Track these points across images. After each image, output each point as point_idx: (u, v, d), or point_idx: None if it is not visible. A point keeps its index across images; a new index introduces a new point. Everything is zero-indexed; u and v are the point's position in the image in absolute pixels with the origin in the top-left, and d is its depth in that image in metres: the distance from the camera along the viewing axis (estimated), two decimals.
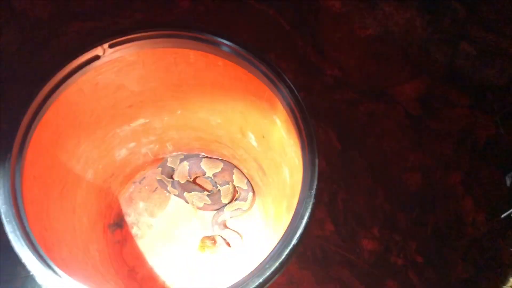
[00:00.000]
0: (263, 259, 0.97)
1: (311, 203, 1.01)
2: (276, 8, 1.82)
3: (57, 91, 1.12)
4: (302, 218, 1.00)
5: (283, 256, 0.96)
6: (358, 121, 1.93)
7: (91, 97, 1.25)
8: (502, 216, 1.70)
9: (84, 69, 1.14)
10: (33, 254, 0.94)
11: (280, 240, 0.98)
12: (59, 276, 0.94)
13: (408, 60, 1.73)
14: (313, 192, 1.01)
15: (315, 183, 1.02)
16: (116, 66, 1.21)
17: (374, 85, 1.88)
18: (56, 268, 0.95)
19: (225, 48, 1.16)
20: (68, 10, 1.80)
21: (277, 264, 0.96)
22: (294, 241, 0.98)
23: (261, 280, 0.94)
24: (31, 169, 1.09)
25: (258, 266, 0.96)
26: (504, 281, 1.70)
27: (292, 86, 1.11)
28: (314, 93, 1.88)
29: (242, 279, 0.95)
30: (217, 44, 1.16)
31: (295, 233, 0.98)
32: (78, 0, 1.78)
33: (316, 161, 1.04)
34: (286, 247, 0.97)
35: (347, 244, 1.73)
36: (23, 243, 0.95)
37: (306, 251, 1.70)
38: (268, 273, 0.95)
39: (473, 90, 1.86)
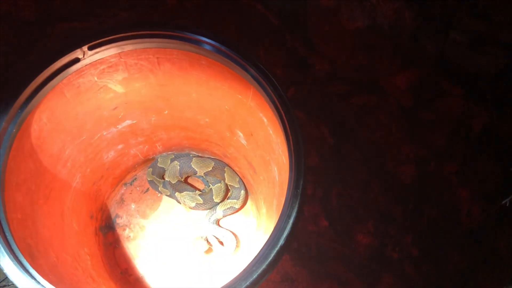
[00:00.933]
0: (250, 261, 0.95)
1: (297, 203, 0.99)
2: (264, 3, 1.79)
3: (37, 96, 1.09)
4: (289, 218, 0.98)
5: (270, 258, 0.95)
6: (350, 114, 1.90)
7: (74, 100, 1.23)
8: (503, 202, 1.68)
9: (64, 73, 1.12)
10: (14, 264, 0.92)
11: (266, 241, 0.97)
12: (42, 286, 0.92)
13: (398, 51, 1.70)
14: (299, 191, 0.99)
15: (301, 182, 1.00)
16: (98, 68, 1.19)
17: (365, 77, 1.86)
18: (38, 277, 0.93)
19: (207, 47, 1.13)
20: (53, 11, 1.77)
21: (264, 266, 0.94)
22: (281, 242, 0.96)
23: (247, 283, 0.92)
24: (13, 176, 1.07)
25: (245, 269, 0.94)
26: (503, 271, 1.69)
27: (276, 83, 1.08)
28: (305, 88, 1.86)
29: (229, 282, 0.93)
30: (199, 43, 1.14)
31: (282, 233, 0.97)
32: (63, 0, 1.76)
33: (302, 160, 1.02)
34: (273, 248, 0.96)
35: (342, 239, 1.71)
36: (4, 252, 0.93)
37: (300, 247, 1.68)
38: (255, 276, 0.93)
39: (465, 80, 1.83)
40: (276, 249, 0.95)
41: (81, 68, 1.15)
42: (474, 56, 1.68)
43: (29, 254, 1.04)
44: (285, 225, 0.97)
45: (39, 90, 1.09)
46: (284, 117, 1.06)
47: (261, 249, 0.96)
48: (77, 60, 1.12)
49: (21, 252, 0.97)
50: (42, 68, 1.09)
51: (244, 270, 0.94)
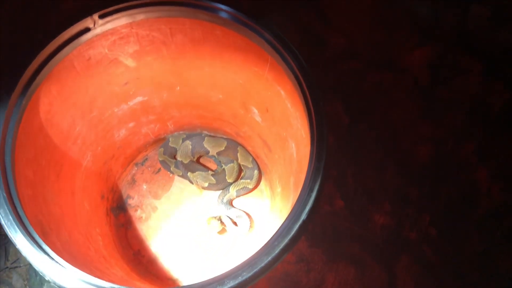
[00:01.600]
0: (272, 236, 0.91)
1: (320, 176, 0.94)
2: None
3: (46, 67, 1.05)
4: (311, 191, 0.94)
5: (293, 232, 0.90)
6: (365, 92, 1.85)
7: (84, 73, 1.18)
8: None
9: (74, 43, 1.08)
10: (27, 240, 0.88)
11: (288, 215, 0.92)
12: (55, 261, 0.89)
13: (417, 26, 1.65)
14: (322, 163, 0.95)
15: (324, 155, 0.95)
16: (109, 39, 1.14)
17: (382, 53, 1.80)
18: (52, 254, 0.89)
19: (223, 14, 1.08)
20: None
21: (286, 240, 0.90)
22: (303, 216, 0.92)
23: (269, 258, 0.88)
24: (23, 152, 1.03)
25: (267, 243, 0.90)
26: None
27: (297, 52, 1.03)
28: (319, 65, 1.81)
29: (251, 257, 0.90)
30: (214, 10, 1.09)
31: (305, 207, 0.92)
32: None
33: (325, 131, 0.97)
34: (295, 222, 0.91)
35: (358, 219, 1.68)
36: (17, 228, 0.89)
37: (315, 228, 1.64)
38: (277, 251, 0.89)
39: (486, 55, 1.77)
40: (299, 223, 0.91)
41: (91, 38, 1.10)
42: (496, 30, 1.61)
43: (41, 230, 1.00)
44: (308, 198, 0.93)
45: (48, 61, 1.05)
46: (306, 88, 1.01)
47: (283, 224, 0.92)
48: (87, 30, 1.08)
49: (33, 228, 0.94)
50: (51, 38, 1.05)
51: (266, 244, 0.90)
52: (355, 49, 1.79)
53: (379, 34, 1.69)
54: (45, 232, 1.01)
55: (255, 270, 0.87)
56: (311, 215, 0.94)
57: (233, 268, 0.88)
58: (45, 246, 0.90)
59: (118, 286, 0.88)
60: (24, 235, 0.89)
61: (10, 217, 0.90)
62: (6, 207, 0.91)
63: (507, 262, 1.65)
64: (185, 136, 1.72)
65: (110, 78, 1.27)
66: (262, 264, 0.88)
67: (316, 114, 0.98)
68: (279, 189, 1.53)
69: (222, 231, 1.60)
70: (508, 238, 1.67)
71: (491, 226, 1.69)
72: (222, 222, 1.58)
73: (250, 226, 1.62)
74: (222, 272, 0.89)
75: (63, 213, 1.20)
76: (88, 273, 0.91)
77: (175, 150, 1.70)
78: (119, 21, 1.10)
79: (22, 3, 1.61)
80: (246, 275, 0.87)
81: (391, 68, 1.83)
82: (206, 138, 1.69)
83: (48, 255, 0.89)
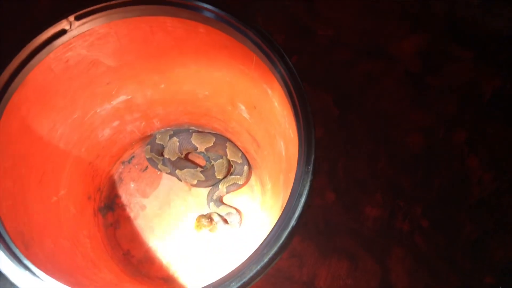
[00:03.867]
0: (260, 243, 0.89)
1: (309, 180, 0.91)
2: None
3: (22, 73, 1.00)
4: (300, 196, 0.91)
5: (282, 240, 0.88)
6: (355, 82, 1.82)
7: (63, 76, 1.13)
8: None
9: (50, 46, 1.02)
10: (6, 255, 0.85)
11: (277, 222, 0.90)
12: (37, 277, 0.86)
13: (406, 14, 1.61)
14: (311, 167, 0.92)
15: (312, 157, 0.92)
16: (87, 40, 1.09)
17: (371, 43, 1.76)
18: (33, 268, 0.86)
19: (205, 13, 1.04)
20: None
21: (275, 248, 0.87)
22: (293, 222, 0.90)
23: (258, 267, 0.86)
24: (1, 161, 0.99)
25: (256, 251, 0.88)
26: None
27: (282, 51, 0.99)
28: (307, 56, 1.77)
29: (239, 266, 0.87)
30: (196, 9, 1.04)
31: (294, 213, 0.90)
32: None
33: (313, 133, 0.94)
34: (284, 229, 0.89)
35: (350, 212, 1.66)
36: None
37: (307, 222, 1.63)
38: (266, 259, 0.87)
39: (476, 42, 1.74)
40: (288, 230, 0.88)
41: (68, 40, 1.05)
42: (487, 18, 1.58)
43: (22, 242, 0.97)
44: (297, 204, 0.90)
45: (24, 66, 1.00)
46: (291, 87, 0.98)
47: (271, 231, 0.90)
48: (63, 32, 1.03)
49: (13, 241, 0.90)
50: (25, 42, 1.00)
51: (255, 253, 0.88)
52: (343, 39, 1.76)
53: (369, 23, 1.65)
54: (26, 244, 0.98)
55: (243, 280, 0.85)
56: (301, 218, 0.91)
57: (221, 278, 0.86)
58: (26, 261, 0.87)
59: None
60: (2, 250, 0.86)
61: None
62: None
63: (500, 251, 1.65)
64: (172, 132, 1.68)
65: (90, 79, 1.22)
66: (251, 274, 0.86)
67: (304, 116, 0.95)
68: (269, 185, 1.50)
69: (213, 229, 1.58)
70: (500, 226, 1.67)
71: (484, 215, 1.68)
72: (212, 220, 1.56)
73: (241, 223, 1.60)
74: (209, 282, 0.86)
75: (47, 221, 1.17)
76: (74, 282, 0.88)
77: (162, 147, 1.67)
78: (96, 22, 1.05)
79: None
80: (234, 285, 0.85)
81: (381, 57, 1.80)
82: (194, 134, 1.65)
83: (29, 270, 0.86)
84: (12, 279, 0.85)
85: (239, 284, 0.85)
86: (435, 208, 1.69)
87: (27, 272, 0.86)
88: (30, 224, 1.05)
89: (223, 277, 0.86)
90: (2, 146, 0.99)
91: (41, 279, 0.86)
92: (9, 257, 0.86)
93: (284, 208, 0.91)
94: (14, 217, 0.99)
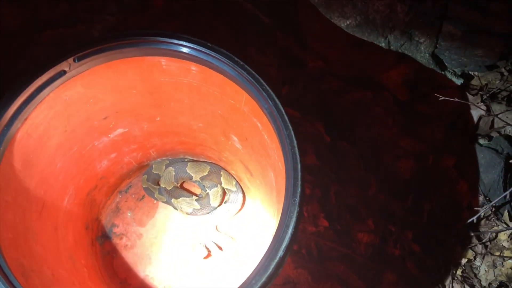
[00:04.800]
0: (249, 274, 0.93)
1: (295, 212, 0.96)
2: (253, 1, 1.76)
3: (24, 112, 1.06)
4: (288, 227, 0.96)
5: (270, 270, 0.92)
6: (345, 110, 1.88)
7: (63, 113, 1.19)
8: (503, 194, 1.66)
9: (50, 86, 1.09)
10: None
11: (265, 253, 0.94)
12: None
13: (391, 46, 1.67)
14: (297, 199, 0.97)
15: (299, 190, 0.97)
16: (85, 79, 1.15)
17: (359, 73, 1.83)
18: None
19: (196, 53, 1.10)
20: (39, 18, 1.72)
21: (264, 279, 0.92)
22: (280, 252, 0.94)
23: None
24: (2, 195, 1.04)
25: (244, 282, 0.92)
26: (503, 263, 1.68)
27: (269, 90, 1.05)
28: (299, 86, 1.83)
29: None
30: (188, 49, 1.11)
31: (281, 244, 0.94)
32: (49, 6, 1.71)
33: (299, 167, 0.99)
34: (272, 259, 0.93)
35: (342, 239, 1.70)
36: None
37: (300, 249, 1.66)
38: None
39: (460, 72, 1.80)
40: (276, 260, 0.93)
41: (68, 80, 1.11)
42: (468, 48, 1.65)
43: (22, 274, 1.01)
44: (284, 235, 0.95)
45: (25, 105, 1.06)
46: (279, 123, 1.03)
47: (260, 261, 0.94)
48: (63, 73, 1.09)
49: (13, 273, 0.95)
50: (27, 83, 1.06)
51: (244, 283, 0.92)
52: (333, 69, 1.82)
53: (356, 55, 1.72)
54: (26, 276, 1.02)
55: None
56: (289, 248, 0.96)
57: None
58: None
59: None
60: (2, 283, 0.90)
61: None
62: None
63: (489, 274, 1.69)
64: (168, 162, 1.73)
65: (88, 114, 1.28)
66: None
67: (291, 151, 1.00)
68: (262, 211, 1.55)
69: (207, 256, 1.62)
70: (489, 250, 1.70)
71: (473, 239, 1.72)
72: (207, 248, 1.60)
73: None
74: None
75: (46, 251, 1.21)
76: None
77: (159, 177, 1.71)
78: (95, 62, 1.11)
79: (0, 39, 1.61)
80: None
81: (370, 86, 1.86)
82: (189, 163, 1.70)
83: None
84: None
85: None
86: (426, 233, 1.73)
87: None
88: (30, 255, 1.10)
89: None
90: (5, 180, 1.04)
91: None
92: None
93: (272, 238, 0.95)
94: (15, 249, 1.04)
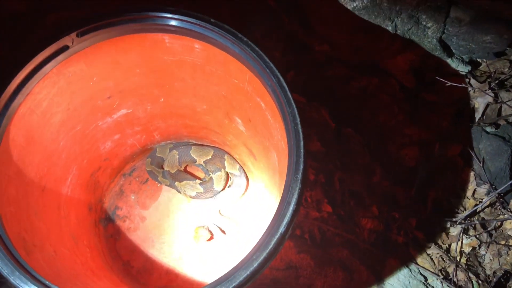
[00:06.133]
0: (250, 250, 0.92)
1: (297, 188, 0.95)
2: None
3: (27, 86, 1.06)
4: (289, 204, 0.95)
5: (270, 246, 0.92)
6: (351, 97, 1.86)
7: (66, 90, 1.19)
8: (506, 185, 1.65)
9: (53, 62, 1.08)
10: (7, 260, 0.89)
11: (267, 229, 0.94)
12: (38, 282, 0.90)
13: (398, 30, 1.66)
14: (299, 176, 0.96)
15: (301, 167, 0.97)
16: (88, 56, 1.15)
17: (366, 59, 1.81)
18: (34, 273, 0.90)
19: (200, 30, 1.09)
20: (43, 1, 1.72)
21: (264, 254, 0.91)
22: (281, 229, 0.93)
23: (248, 272, 0.90)
24: (4, 168, 1.04)
25: (245, 257, 0.92)
26: (508, 252, 1.66)
27: (273, 67, 1.04)
28: (304, 71, 1.82)
29: (229, 272, 0.91)
30: (193, 26, 1.10)
31: (282, 220, 0.94)
32: None
33: (301, 144, 0.98)
34: (273, 235, 0.93)
35: (346, 224, 1.69)
36: None
37: (303, 234, 1.66)
38: (255, 265, 0.90)
39: (468, 59, 1.78)
40: (277, 236, 0.92)
41: (70, 56, 1.11)
42: (477, 34, 1.63)
43: (24, 248, 1.01)
44: (285, 211, 0.94)
45: (28, 80, 1.06)
46: (282, 100, 1.02)
47: (261, 237, 0.93)
48: (66, 48, 1.08)
49: (15, 247, 0.95)
50: (30, 57, 1.06)
51: (244, 259, 0.92)
52: (339, 55, 1.81)
53: (362, 41, 1.70)
54: (28, 250, 1.02)
55: (233, 285, 0.89)
56: (292, 226, 0.95)
57: (211, 283, 0.90)
58: (27, 266, 0.91)
59: None
60: (4, 255, 0.90)
61: None
62: None
63: (494, 263, 1.67)
64: (172, 145, 1.73)
65: (92, 93, 1.28)
66: (241, 278, 0.89)
67: (294, 127, 0.99)
68: (266, 196, 1.54)
69: (210, 239, 1.62)
70: (494, 239, 1.69)
71: (478, 228, 1.70)
72: (210, 231, 1.60)
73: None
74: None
75: (48, 228, 1.21)
76: None
77: (163, 160, 1.71)
78: (97, 39, 1.11)
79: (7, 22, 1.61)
80: None
81: (376, 73, 1.84)
82: (193, 147, 1.70)
83: (30, 274, 0.90)
84: (14, 283, 0.89)
85: None
86: (430, 220, 1.72)
87: (27, 276, 0.90)
88: (32, 231, 1.10)
89: (212, 282, 0.90)
90: (8, 153, 1.04)
91: (41, 283, 0.90)
92: (10, 262, 0.90)
93: (274, 215, 0.95)
94: (17, 223, 1.04)
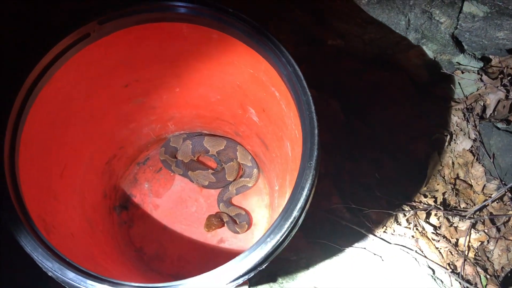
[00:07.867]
0: (264, 232, 0.95)
1: (311, 174, 0.98)
2: None
3: (49, 72, 1.09)
4: (303, 189, 0.97)
5: (284, 229, 0.94)
6: (362, 90, 1.88)
7: (85, 76, 1.22)
8: None
9: (75, 48, 1.11)
10: (31, 238, 0.93)
11: (281, 213, 0.96)
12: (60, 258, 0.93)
13: (411, 25, 1.67)
14: (313, 163, 0.98)
15: (315, 153, 0.99)
16: (108, 44, 1.18)
17: (378, 53, 1.83)
18: (56, 250, 0.94)
19: (218, 19, 1.12)
20: None
21: (278, 237, 0.94)
22: (295, 213, 0.96)
23: (263, 254, 0.92)
24: (27, 150, 1.07)
25: (259, 240, 0.94)
26: None
27: (289, 56, 1.07)
28: (316, 64, 1.84)
29: (243, 254, 0.94)
30: (211, 16, 1.12)
31: (296, 205, 0.96)
32: None
33: (316, 131, 1.01)
34: (287, 219, 0.95)
35: (355, 216, 1.71)
36: (21, 227, 0.94)
37: (314, 225, 1.68)
38: (270, 247, 0.93)
39: (480, 55, 1.79)
40: (290, 220, 0.95)
41: (91, 44, 1.14)
42: (490, 30, 1.64)
43: (44, 228, 1.05)
44: (299, 196, 0.96)
45: (51, 66, 1.09)
46: (297, 89, 1.05)
47: (275, 221, 0.96)
48: (87, 35, 1.11)
49: (36, 225, 0.98)
50: (52, 44, 1.09)
51: (259, 241, 0.94)
52: (351, 49, 1.82)
53: (375, 33, 1.72)
54: (48, 230, 1.06)
55: (249, 267, 0.91)
56: (304, 212, 0.98)
57: (223, 266, 0.92)
58: (49, 244, 0.94)
59: (120, 281, 0.92)
60: (27, 233, 0.94)
61: (15, 215, 0.95)
62: (11, 205, 0.95)
63: (503, 258, 1.68)
64: (185, 135, 1.76)
65: (109, 80, 1.31)
66: (256, 261, 0.92)
67: (309, 116, 1.02)
68: (277, 187, 1.57)
69: (221, 227, 1.64)
70: (503, 234, 1.70)
71: (487, 222, 1.72)
72: (221, 220, 1.63)
73: (250, 223, 1.66)
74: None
75: (66, 212, 1.25)
76: (90, 269, 0.95)
77: (176, 150, 1.74)
78: (117, 26, 1.14)
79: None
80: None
81: (387, 67, 1.86)
82: (206, 137, 1.73)
83: (52, 251, 0.93)
84: (36, 259, 0.92)
85: (243, 272, 0.92)
86: (439, 214, 1.73)
87: (50, 253, 0.93)
88: (52, 213, 1.13)
89: (226, 264, 0.93)
90: (30, 136, 1.07)
91: (62, 259, 0.93)
92: (33, 239, 0.93)
93: (288, 199, 0.97)
94: (38, 204, 1.07)
